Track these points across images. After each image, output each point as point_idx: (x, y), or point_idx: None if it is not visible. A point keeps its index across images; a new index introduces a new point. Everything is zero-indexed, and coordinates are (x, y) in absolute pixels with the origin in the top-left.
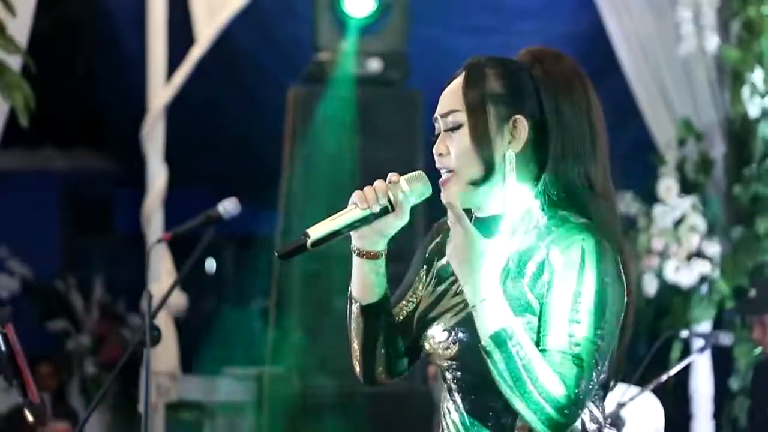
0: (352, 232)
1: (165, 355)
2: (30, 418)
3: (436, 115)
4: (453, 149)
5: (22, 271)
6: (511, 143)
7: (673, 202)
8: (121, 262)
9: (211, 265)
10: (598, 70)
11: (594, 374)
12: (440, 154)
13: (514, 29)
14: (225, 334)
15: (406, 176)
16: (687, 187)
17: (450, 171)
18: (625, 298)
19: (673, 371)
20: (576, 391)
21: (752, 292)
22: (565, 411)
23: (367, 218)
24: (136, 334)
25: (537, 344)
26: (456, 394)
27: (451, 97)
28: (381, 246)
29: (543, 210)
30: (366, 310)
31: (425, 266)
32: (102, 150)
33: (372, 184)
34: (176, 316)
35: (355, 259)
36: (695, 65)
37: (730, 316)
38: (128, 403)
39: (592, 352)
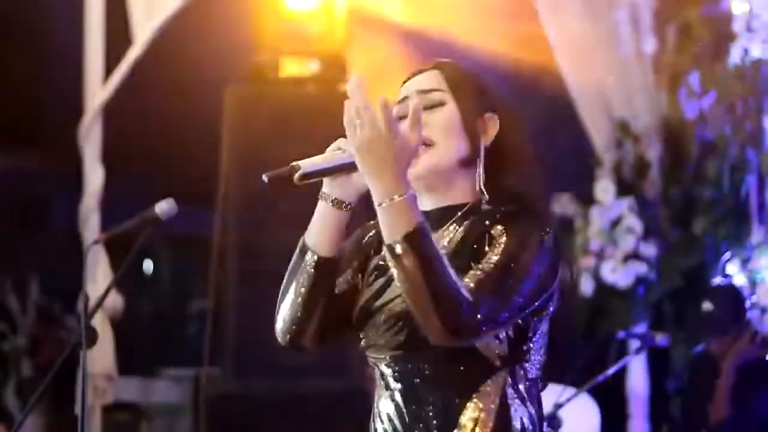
0: (325, 178)
1: (101, 357)
2: None
3: (412, 90)
4: (437, 124)
5: None
6: (483, 136)
7: (610, 204)
8: (58, 263)
9: (148, 266)
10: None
11: (498, 305)
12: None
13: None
14: (162, 335)
15: None
16: (624, 188)
17: (430, 145)
18: (553, 285)
19: (609, 372)
20: (482, 302)
21: (706, 305)
22: (472, 316)
23: (354, 165)
24: (73, 336)
25: None
26: (395, 383)
27: (430, 79)
28: (351, 198)
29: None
30: (321, 263)
31: (364, 259)
32: (39, 150)
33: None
34: (113, 317)
35: (323, 207)
36: (632, 67)
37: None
38: (64, 405)
39: (502, 284)
